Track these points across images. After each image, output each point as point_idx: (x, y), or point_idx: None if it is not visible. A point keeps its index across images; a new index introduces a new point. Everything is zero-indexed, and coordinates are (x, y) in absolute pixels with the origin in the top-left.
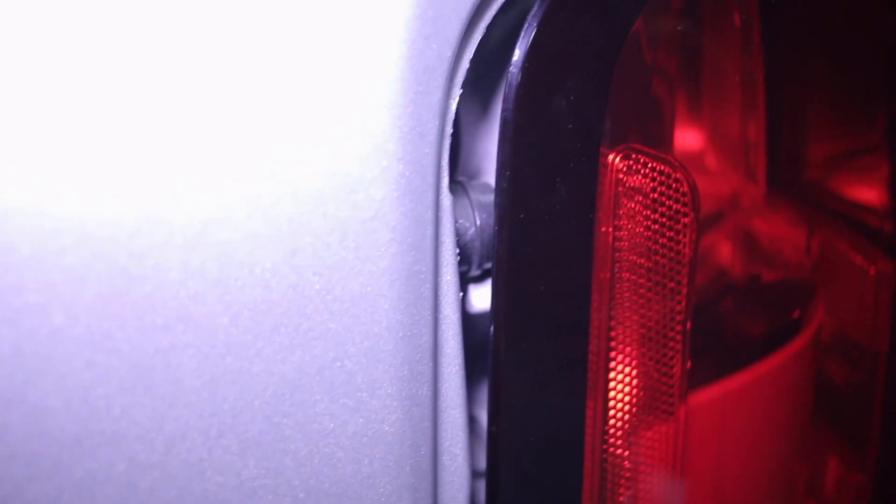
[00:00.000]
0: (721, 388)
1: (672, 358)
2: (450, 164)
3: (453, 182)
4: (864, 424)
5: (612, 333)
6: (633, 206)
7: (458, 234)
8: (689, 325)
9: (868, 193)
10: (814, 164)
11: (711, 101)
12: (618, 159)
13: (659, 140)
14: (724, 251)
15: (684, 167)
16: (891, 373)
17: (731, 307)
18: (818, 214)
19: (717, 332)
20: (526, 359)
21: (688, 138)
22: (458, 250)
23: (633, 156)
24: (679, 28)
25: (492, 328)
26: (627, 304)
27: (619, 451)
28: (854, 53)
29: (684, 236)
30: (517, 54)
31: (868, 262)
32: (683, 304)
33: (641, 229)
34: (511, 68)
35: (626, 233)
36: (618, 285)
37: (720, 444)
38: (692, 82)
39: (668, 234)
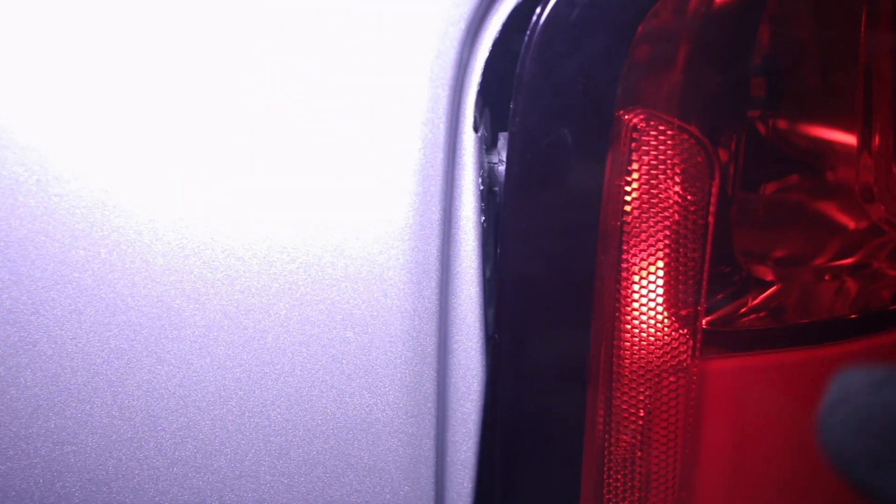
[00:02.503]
0: (755, 360)
1: (683, 314)
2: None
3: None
4: None
5: (622, 274)
6: (645, 165)
7: (487, 167)
8: (704, 285)
9: None
10: None
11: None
12: (634, 120)
13: (684, 110)
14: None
15: (704, 139)
16: None
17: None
18: None
19: (785, 303)
20: (530, 291)
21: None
22: (481, 178)
23: (652, 121)
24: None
25: (497, 250)
26: (634, 252)
27: (630, 393)
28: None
29: (695, 197)
30: (534, 19)
31: None
32: (697, 262)
33: (649, 186)
34: (528, 31)
35: (637, 187)
36: (626, 233)
37: (741, 418)
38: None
39: (680, 193)
